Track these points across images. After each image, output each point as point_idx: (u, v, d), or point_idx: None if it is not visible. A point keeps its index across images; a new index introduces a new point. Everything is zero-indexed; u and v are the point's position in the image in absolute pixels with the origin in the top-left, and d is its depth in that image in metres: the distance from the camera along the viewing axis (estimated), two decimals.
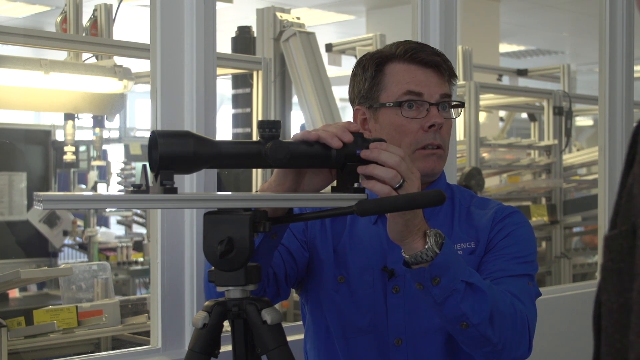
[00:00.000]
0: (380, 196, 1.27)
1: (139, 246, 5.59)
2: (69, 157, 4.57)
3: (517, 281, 1.46)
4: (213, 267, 1.29)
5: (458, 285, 1.32)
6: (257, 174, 3.49)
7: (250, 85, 3.63)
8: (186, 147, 1.18)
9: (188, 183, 1.94)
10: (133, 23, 6.11)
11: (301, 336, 1.69)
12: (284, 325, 1.36)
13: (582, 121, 11.05)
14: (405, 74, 1.52)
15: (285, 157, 1.23)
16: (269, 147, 1.22)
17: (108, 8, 3.78)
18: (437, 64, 1.52)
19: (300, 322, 1.72)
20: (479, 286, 1.34)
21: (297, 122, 4.26)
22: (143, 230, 5.98)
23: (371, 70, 1.54)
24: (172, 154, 1.17)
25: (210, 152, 1.20)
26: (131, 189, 1.19)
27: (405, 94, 1.50)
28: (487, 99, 5.13)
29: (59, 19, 3.74)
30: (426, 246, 1.31)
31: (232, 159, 1.25)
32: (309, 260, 1.58)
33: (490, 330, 1.34)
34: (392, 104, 1.50)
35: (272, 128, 1.24)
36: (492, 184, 5.01)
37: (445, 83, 1.54)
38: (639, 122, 0.62)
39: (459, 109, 1.57)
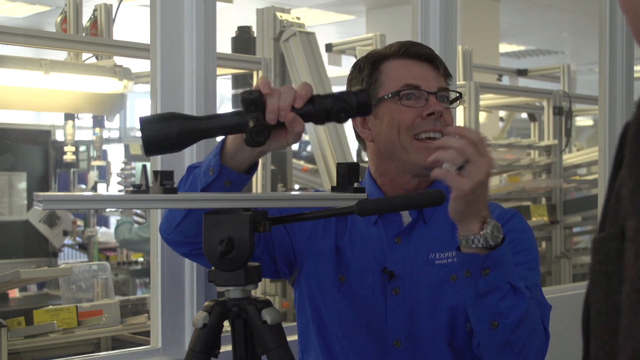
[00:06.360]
0: (440, 179, 1.30)
1: None
2: (69, 157, 4.57)
3: (533, 295, 1.46)
4: (213, 267, 1.29)
5: (504, 285, 1.33)
6: (257, 175, 3.49)
7: (250, 85, 3.63)
8: (171, 128, 1.24)
9: None
10: (133, 23, 6.10)
11: None
12: (284, 325, 1.36)
13: (582, 121, 11.04)
14: (402, 69, 1.53)
15: (265, 137, 1.25)
16: (252, 123, 1.24)
17: (108, 8, 3.78)
18: (432, 57, 1.54)
19: None
20: (522, 292, 1.36)
21: None
22: None
23: (367, 69, 1.56)
24: (156, 138, 1.23)
25: (194, 129, 1.25)
26: (131, 189, 1.19)
27: (403, 87, 1.51)
28: (487, 99, 5.13)
29: (59, 19, 3.73)
30: (482, 232, 1.32)
31: (216, 133, 1.30)
32: (308, 256, 1.57)
33: (516, 335, 1.35)
34: (390, 95, 1.51)
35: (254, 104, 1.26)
36: (492, 184, 4.98)
37: (441, 77, 1.55)
38: (625, 124, 0.62)
39: (457, 101, 1.58)
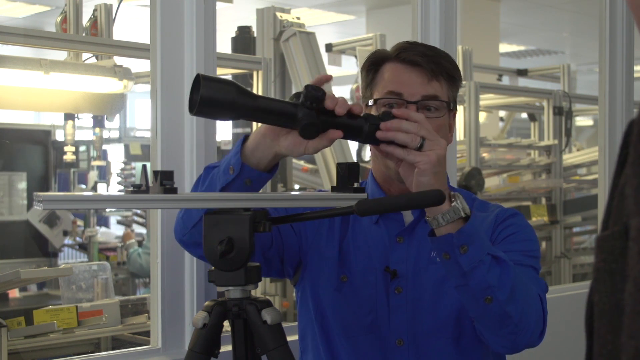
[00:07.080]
0: (401, 158, 1.33)
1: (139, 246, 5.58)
2: (69, 157, 4.57)
3: (526, 271, 1.46)
4: (213, 267, 1.29)
5: (485, 257, 1.33)
6: None
7: (250, 85, 3.63)
8: (228, 94, 1.23)
9: (188, 183, 1.94)
10: (133, 23, 6.11)
11: None
12: (284, 325, 1.36)
13: (582, 121, 11.05)
14: (391, 74, 1.52)
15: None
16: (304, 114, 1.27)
17: (108, 8, 3.78)
18: (419, 63, 1.49)
19: None
20: (504, 260, 1.35)
21: None
22: (143, 230, 5.98)
23: (367, 69, 1.56)
24: (212, 97, 1.22)
25: (249, 103, 1.25)
26: (131, 189, 1.19)
27: (387, 94, 1.50)
28: (487, 99, 5.13)
29: (59, 19, 3.73)
30: (453, 204, 1.32)
31: (267, 115, 1.29)
32: (312, 256, 1.58)
33: (512, 305, 1.34)
34: (373, 102, 1.51)
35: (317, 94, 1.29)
36: (492, 184, 5.01)
37: (431, 83, 1.49)
38: (630, 122, 0.62)
39: (453, 109, 1.55)
